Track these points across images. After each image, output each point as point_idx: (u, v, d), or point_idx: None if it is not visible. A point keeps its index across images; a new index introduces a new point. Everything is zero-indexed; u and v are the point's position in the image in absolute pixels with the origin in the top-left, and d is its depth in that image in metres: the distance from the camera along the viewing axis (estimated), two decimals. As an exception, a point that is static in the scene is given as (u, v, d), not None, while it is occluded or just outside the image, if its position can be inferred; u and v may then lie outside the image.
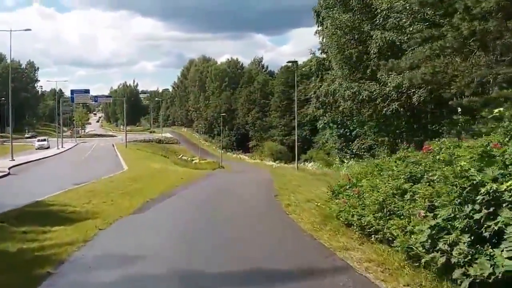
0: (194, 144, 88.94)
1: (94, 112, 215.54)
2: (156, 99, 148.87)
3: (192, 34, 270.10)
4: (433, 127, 25.94)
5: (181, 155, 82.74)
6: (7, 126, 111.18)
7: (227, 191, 19.48)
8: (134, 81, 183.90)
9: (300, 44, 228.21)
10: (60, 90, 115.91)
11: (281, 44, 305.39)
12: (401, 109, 27.67)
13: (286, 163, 75.52)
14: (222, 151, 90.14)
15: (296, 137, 30.78)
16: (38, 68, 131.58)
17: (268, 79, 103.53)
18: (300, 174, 27.24)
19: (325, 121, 38.58)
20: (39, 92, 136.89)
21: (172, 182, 22.19)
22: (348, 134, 37.68)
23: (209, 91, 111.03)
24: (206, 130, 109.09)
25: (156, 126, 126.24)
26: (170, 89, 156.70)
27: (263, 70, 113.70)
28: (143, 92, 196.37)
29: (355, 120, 33.70)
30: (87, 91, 71.02)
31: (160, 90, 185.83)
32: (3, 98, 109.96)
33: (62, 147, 68.16)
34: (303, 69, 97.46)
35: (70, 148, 66.93)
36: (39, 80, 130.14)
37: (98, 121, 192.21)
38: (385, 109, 27.37)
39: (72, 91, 72.01)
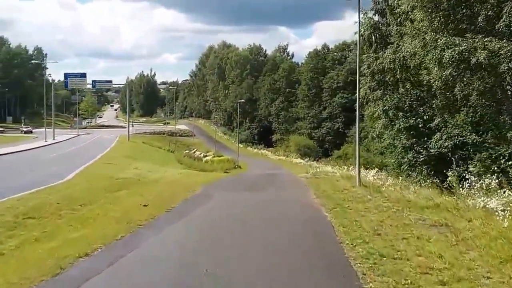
0: (211, 137, 77.35)
1: (111, 104, 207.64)
2: (170, 87, 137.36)
3: (215, 26, 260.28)
4: None
5: (194, 150, 71.57)
6: (8, 116, 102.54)
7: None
8: (151, 71, 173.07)
9: (324, 37, 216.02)
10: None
11: (305, 37, 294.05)
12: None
13: (316, 160, 63.33)
14: (242, 145, 78.41)
15: (357, 135, 17.24)
16: (46, 54, 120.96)
17: (294, 66, 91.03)
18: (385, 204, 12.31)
19: (384, 107, 26.08)
20: (50, 80, 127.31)
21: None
22: (420, 125, 25.18)
23: (229, 79, 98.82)
24: (225, 122, 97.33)
25: (173, 118, 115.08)
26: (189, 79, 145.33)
27: (288, 58, 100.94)
28: (163, 83, 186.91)
29: (440, 104, 21.25)
30: (83, 75, 59.70)
31: (180, 81, 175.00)
32: (7, 89, 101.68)
33: (53, 139, 57.58)
34: (334, 53, 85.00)
35: (61, 141, 55.98)
36: (47, 68, 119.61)
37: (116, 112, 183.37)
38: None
39: (66, 75, 61.11)
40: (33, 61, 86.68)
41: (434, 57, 16.99)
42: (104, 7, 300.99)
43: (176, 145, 65.41)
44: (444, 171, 17.01)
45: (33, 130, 75.31)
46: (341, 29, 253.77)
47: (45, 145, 46.97)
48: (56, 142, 52.59)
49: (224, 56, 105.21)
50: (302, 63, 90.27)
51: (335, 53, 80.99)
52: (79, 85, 62.02)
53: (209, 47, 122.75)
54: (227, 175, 30.55)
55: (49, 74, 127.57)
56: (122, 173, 20.62)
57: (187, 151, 70.30)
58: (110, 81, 65.19)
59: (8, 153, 33.49)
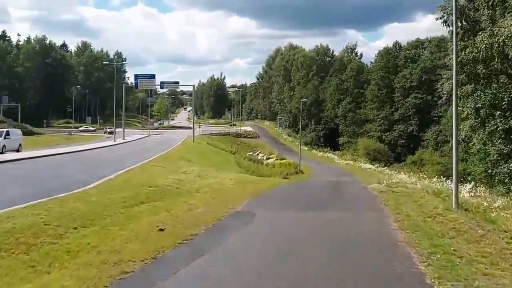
0: (276, 139, 73.87)
1: (184, 107, 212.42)
2: (235, 89, 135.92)
3: (284, 31, 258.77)
4: None
5: (257, 152, 68.70)
6: (87, 117, 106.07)
7: None
8: (221, 74, 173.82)
9: (394, 39, 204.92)
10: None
11: (374, 39, 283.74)
12: None
13: (386, 166, 57.71)
14: (306, 148, 74.30)
15: (454, 136, 12.21)
16: (125, 58, 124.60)
17: (362, 65, 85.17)
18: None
19: (477, 104, 21.12)
20: (128, 84, 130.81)
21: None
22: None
23: (295, 81, 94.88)
24: (290, 123, 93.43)
25: (240, 120, 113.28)
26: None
27: (357, 58, 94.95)
28: (233, 86, 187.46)
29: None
30: (152, 77, 58.88)
31: (248, 84, 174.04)
32: (87, 91, 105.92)
33: (123, 139, 57.38)
34: (407, 51, 78.11)
35: (130, 141, 55.53)
36: (126, 71, 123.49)
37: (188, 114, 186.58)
38: None
39: (136, 76, 60.57)
40: (104, 62, 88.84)
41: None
42: (182, 17, 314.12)
43: (238, 147, 62.67)
44: None
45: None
46: (412, 30, 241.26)
47: (112, 145, 46.13)
48: (124, 142, 51.98)
49: (290, 57, 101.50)
50: (371, 62, 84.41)
51: (407, 51, 74.22)
52: (148, 86, 61.42)
53: (275, 49, 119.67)
54: (286, 182, 26.76)
55: (128, 77, 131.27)
56: (163, 178, 17.61)
57: (250, 153, 67.57)
58: (177, 82, 63.79)
59: (64, 153, 32.06)
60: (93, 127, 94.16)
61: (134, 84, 59.68)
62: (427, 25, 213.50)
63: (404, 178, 38.69)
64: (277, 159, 54.23)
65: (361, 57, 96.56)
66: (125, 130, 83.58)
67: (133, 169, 21.07)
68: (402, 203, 14.30)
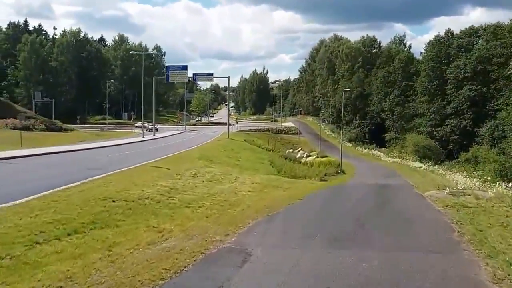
0: (318, 136, 68.55)
1: (226, 103, 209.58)
2: (278, 83, 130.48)
3: (330, 25, 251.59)
4: None
5: (298, 149, 63.77)
6: (124, 112, 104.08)
7: None
8: (264, 68, 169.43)
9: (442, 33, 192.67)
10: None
11: (422, 33, 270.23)
12: None
13: (437, 164, 51.16)
14: (350, 145, 68.54)
15: None
16: (164, 53, 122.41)
17: (412, 56, 77.79)
18: None
19: None
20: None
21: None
22: None
23: (339, 73, 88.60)
24: (334, 119, 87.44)
25: (281, 115, 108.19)
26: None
27: (405, 49, 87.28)
28: (277, 81, 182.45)
29: None
30: (184, 68, 54.92)
31: (292, 79, 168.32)
32: (123, 85, 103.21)
33: (154, 135, 54.35)
34: (460, 40, 70.07)
35: (159, 137, 52.21)
36: (166, 66, 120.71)
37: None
38: None
39: (168, 68, 57.10)
40: (132, 51, 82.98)
41: None
42: (227, 11, 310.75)
43: (278, 143, 57.97)
44: None
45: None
46: (461, 24, 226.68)
47: (134, 142, 42.61)
48: (152, 139, 48.42)
49: (335, 49, 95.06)
50: (421, 53, 76.80)
51: (460, 40, 66.20)
52: (179, 78, 57.64)
53: (319, 41, 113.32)
54: (321, 186, 21.74)
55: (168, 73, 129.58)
56: (148, 186, 13.54)
57: (290, 150, 62.82)
58: (211, 74, 59.46)
59: (62, 152, 27.51)
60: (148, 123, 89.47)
61: (165, 76, 55.82)
62: (475, 18, 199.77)
63: (460, 179, 32.76)
64: (317, 157, 49.12)
65: (410, 49, 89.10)
66: (162, 126, 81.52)
67: (121, 172, 16.97)
68: (484, 228, 9.32)
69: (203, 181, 16.74)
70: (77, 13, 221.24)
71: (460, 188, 17.25)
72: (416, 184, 21.38)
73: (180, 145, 36.41)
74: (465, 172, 40.89)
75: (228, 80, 55.60)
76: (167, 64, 74.34)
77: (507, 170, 42.14)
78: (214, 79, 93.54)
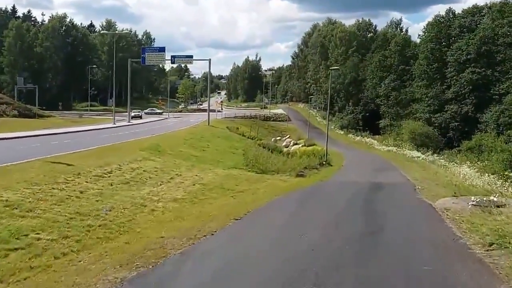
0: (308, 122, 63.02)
1: (218, 91, 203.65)
2: (271, 71, 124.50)
3: (326, 14, 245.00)
4: None
5: (286, 136, 58.35)
6: (110, 99, 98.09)
7: None
8: (256, 55, 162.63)
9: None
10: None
11: (419, 21, 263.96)
12: None
13: (436, 152, 45.80)
14: (342, 132, 63.04)
15: None
16: (154, 39, 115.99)
17: (408, 39, 71.98)
18: None
19: None
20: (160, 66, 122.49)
21: None
22: None
23: (332, 59, 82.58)
24: (326, 105, 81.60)
25: (269, 102, 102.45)
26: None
27: (402, 33, 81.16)
28: (270, 69, 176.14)
29: None
30: (162, 49, 48.95)
31: (285, 66, 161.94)
32: (110, 72, 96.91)
33: (128, 121, 49.05)
34: (462, 19, 64.23)
35: (131, 124, 46.56)
36: (142, 48, 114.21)
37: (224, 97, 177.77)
38: None
39: (143, 50, 51.23)
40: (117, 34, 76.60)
41: None
42: (223, 1, 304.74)
43: (258, 130, 52.44)
44: None
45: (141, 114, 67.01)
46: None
47: (98, 129, 37.21)
48: (123, 126, 43.24)
49: (328, 33, 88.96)
50: (419, 35, 70.80)
51: (463, 19, 60.09)
52: (156, 61, 51.75)
53: (313, 25, 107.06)
54: (292, 186, 15.97)
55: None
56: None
57: (278, 138, 57.37)
58: (191, 56, 53.44)
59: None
60: (161, 109, 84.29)
61: (141, 59, 49.84)
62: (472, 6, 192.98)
63: (468, 172, 27.32)
64: (304, 145, 43.67)
65: (406, 32, 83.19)
66: (151, 112, 76.63)
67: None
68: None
69: (112, 184, 11.28)
70: (75, 2, 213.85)
71: (484, 200, 11.62)
72: (418, 183, 15.86)
73: (146, 133, 30.95)
74: (468, 162, 35.71)
75: (209, 62, 49.57)
76: (143, 47, 67.86)
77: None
78: (201, 64, 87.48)
